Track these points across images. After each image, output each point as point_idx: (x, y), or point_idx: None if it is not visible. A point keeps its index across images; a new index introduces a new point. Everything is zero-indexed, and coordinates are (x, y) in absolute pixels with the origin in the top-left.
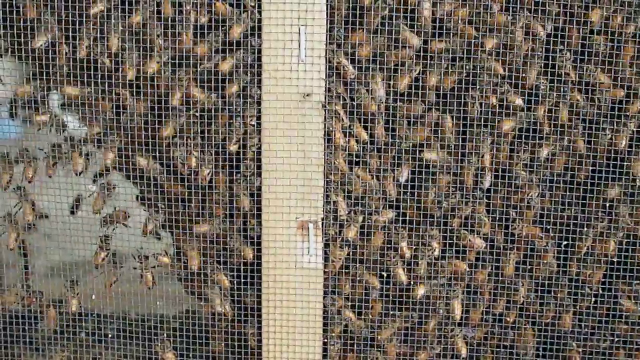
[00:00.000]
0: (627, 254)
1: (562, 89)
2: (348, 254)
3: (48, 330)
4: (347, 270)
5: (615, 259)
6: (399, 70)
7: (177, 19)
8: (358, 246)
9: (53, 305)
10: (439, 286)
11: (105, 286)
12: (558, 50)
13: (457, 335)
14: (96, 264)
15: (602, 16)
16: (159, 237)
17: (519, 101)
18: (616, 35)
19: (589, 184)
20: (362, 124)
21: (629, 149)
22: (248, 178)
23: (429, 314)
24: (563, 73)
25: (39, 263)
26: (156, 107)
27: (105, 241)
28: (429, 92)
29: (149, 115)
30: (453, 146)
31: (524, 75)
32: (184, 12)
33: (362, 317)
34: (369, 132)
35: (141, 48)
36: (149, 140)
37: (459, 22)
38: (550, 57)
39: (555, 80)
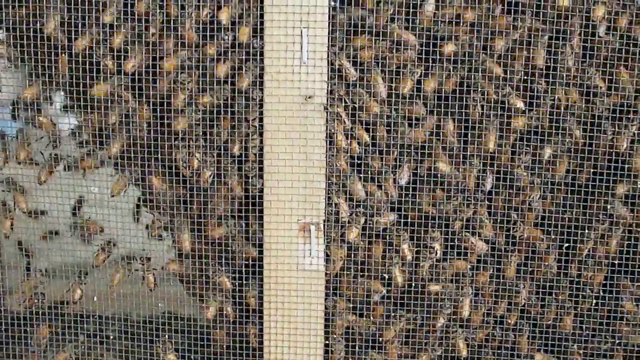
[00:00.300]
0: (628, 255)
1: (564, 76)
2: (349, 256)
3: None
4: (348, 272)
5: (616, 261)
6: (401, 74)
7: (179, 20)
8: (360, 248)
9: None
10: (441, 287)
11: (109, 286)
12: (560, 50)
13: (459, 336)
14: (96, 265)
15: (605, 14)
16: (161, 237)
17: (520, 104)
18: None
19: (590, 186)
20: (364, 126)
21: (630, 151)
22: (250, 180)
23: (432, 315)
24: (564, 73)
25: (40, 265)
26: (158, 109)
27: (107, 243)
28: (430, 95)
29: (151, 117)
30: (455, 148)
31: (532, 56)
32: (187, 13)
33: (364, 318)
34: (371, 134)
35: (144, 49)
36: (152, 142)
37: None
38: (552, 60)
39: (557, 83)
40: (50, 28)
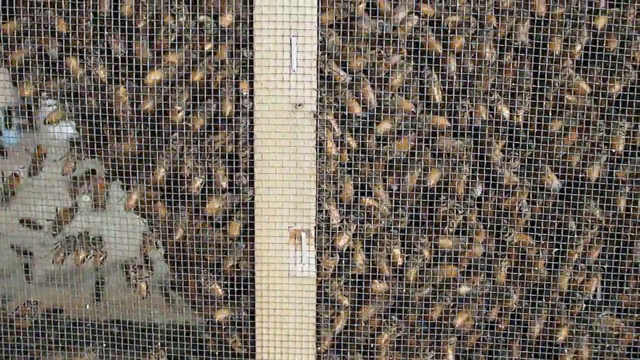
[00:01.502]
0: (617, 260)
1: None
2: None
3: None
4: (339, 279)
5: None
6: (390, 71)
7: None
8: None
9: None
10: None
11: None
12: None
13: (449, 343)
14: (96, 267)
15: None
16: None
17: (506, 112)
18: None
19: (578, 191)
20: (354, 134)
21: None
22: (241, 189)
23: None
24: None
25: (33, 272)
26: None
27: (99, 245)
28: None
29: (142, 126)
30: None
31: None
32: (177, 23)
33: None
34: (360, 141)
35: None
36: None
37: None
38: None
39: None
40: None
